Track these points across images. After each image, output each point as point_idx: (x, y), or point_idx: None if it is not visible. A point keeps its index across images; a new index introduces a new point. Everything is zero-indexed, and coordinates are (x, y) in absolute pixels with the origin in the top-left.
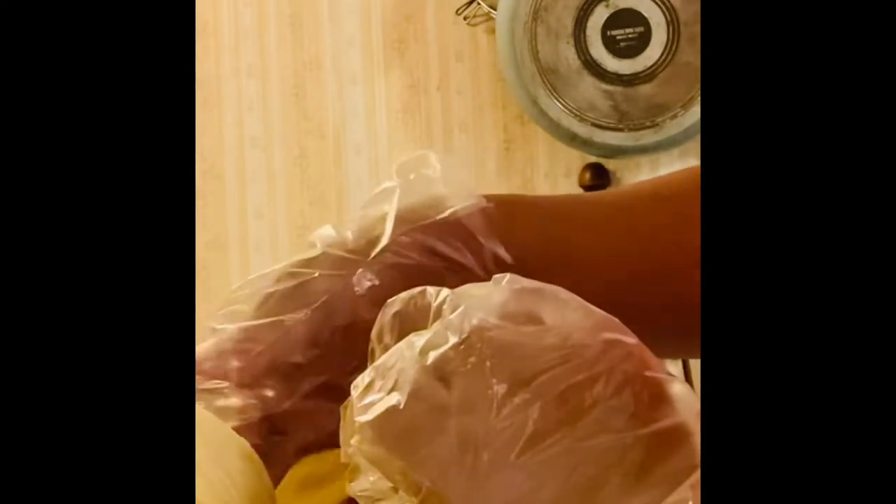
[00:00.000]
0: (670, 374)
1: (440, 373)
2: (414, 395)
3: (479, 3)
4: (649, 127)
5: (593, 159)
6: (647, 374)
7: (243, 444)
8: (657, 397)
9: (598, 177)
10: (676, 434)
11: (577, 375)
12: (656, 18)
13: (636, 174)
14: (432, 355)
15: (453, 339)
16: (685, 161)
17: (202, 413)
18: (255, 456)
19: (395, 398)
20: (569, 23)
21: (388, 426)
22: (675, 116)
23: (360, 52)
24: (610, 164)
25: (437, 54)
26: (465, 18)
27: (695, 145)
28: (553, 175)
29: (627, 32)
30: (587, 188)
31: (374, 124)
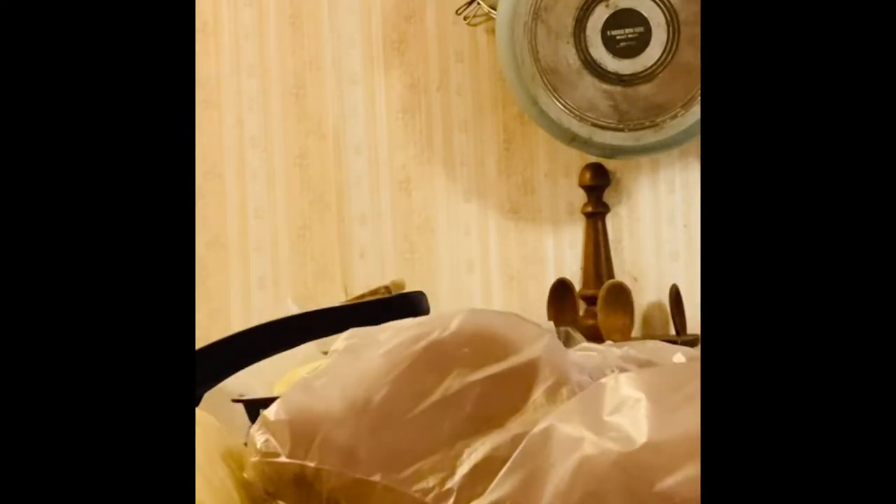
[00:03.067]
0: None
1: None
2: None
3: (479, 3)
4: (649, 127)
5: (593, 159)
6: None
7: (242, 446)
8: (509, 347)
9: (598, 177)
10: (529, 366)
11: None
12: (656, 18)
13: (636, 174)
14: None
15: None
16: (685, 161)
17: (202, 414)
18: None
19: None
20: (569, 23)
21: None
22: (675, 116)
23: (360, 52)
24: (610, 164)
25: (437, 54)
26: (465, 18)
27: (695, 145)
28: (553, 175)
29: (627, 32)
30: (587, 188)
31: (374, 124)
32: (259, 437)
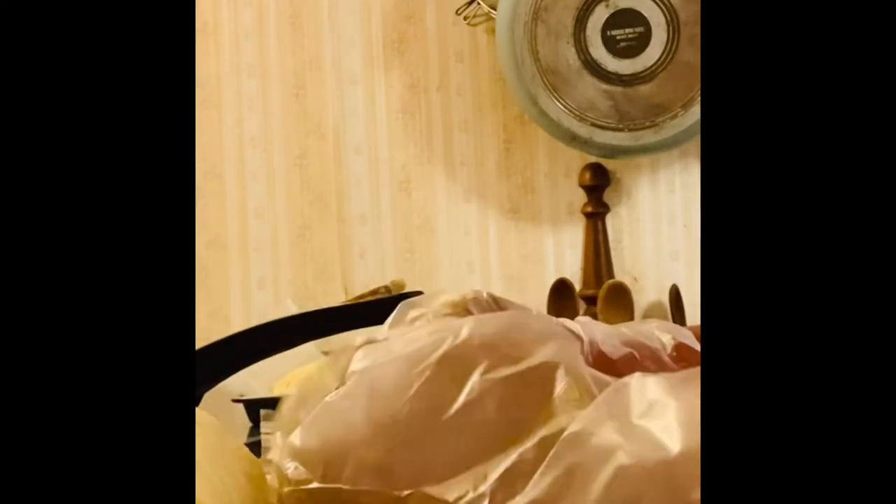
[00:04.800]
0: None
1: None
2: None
3: (479, 3)
4: (649, 127)
5: (593, 159)
6: (514, 334)
7: (241, 446)
8: (523, 346)
9: (598, 177)
10: (544, 366)
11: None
12: (656, 18)
13: (636, 174)
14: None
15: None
16: (685, 161)
17: (202, 415)
18: (255, 458)
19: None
20: (569, 23)
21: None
22: (675, 116)
23: (360, 52)
24: (610, 164)
25: (437, 54)
26: (465, 18)
27: (695, 145)
28: (553, 175)
29: (627, 32)
30: (587, 188)
31: (374, 124)
32: (288, 465)
